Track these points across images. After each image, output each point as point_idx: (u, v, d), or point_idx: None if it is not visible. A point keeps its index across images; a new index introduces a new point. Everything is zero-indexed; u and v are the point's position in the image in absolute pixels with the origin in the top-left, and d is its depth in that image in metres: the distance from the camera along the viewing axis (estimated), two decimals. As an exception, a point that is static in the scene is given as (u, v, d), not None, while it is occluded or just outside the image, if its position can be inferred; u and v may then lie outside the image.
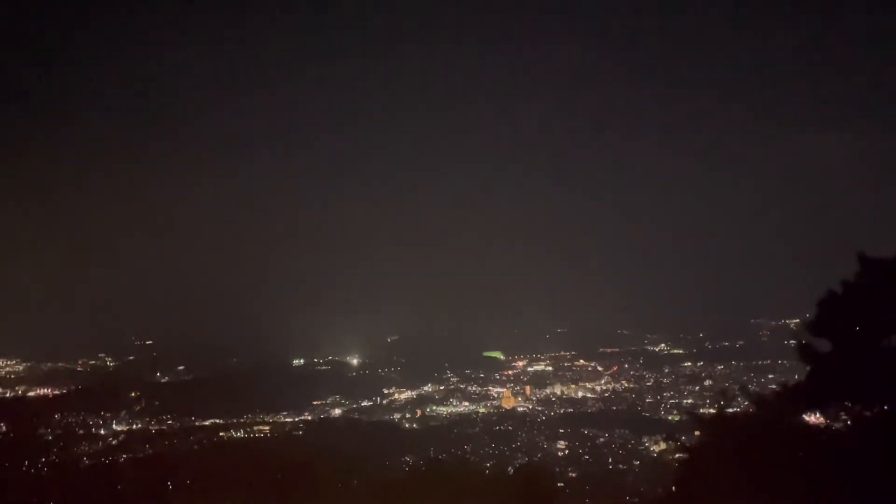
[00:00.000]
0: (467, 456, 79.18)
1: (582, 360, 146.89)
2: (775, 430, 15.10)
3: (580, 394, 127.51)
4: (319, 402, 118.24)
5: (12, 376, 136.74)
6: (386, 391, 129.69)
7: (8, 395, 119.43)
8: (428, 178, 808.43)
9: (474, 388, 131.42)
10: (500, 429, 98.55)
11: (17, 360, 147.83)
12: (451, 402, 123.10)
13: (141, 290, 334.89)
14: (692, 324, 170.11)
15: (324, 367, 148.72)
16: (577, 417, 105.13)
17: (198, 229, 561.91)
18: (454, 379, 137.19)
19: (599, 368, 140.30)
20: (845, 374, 14.02)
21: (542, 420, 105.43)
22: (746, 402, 16.38)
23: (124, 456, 79.13)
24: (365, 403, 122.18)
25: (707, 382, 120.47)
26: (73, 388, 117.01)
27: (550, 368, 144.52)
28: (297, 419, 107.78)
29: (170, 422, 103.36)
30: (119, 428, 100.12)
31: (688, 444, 19.32)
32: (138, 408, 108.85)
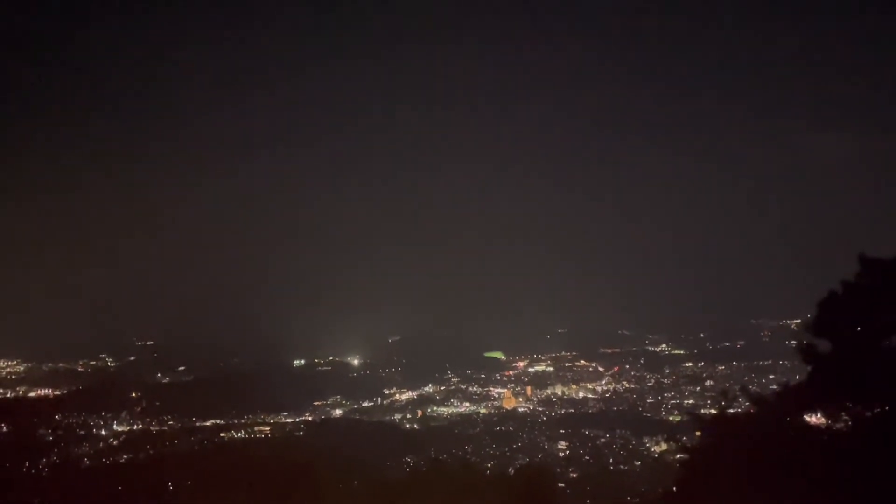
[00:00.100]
0: (468, 456, 79.09)
1: (583, 361, 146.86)
2: (776, 430, 15.09)
3: (581, 394, 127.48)
4: (320, 403, 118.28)
5: (13, 377, 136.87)
6: (387, 392, 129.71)
7: (9, 395, 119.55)
8: (428, 178, 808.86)
9: (475, 389, 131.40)
10: (500, 429, 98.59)
11: (18, 360, 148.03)
12: (452, 403, 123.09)
13: (142, 290, 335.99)
14: (693, 324, 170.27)
15: (325, 368, 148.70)
16: (577, 418, 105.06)
17: (199, 230, 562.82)
18: (455, 379, 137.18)
19: (600, 369, 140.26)
20: (846, 374, 14.02)
21: (542, 420, 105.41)
22: (747, 403, 16.37)
23: (125, 456, 79.23)
24: (366, 404, 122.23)
25: (708, 383, 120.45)
26: (73, 388, 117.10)
27: (551, 369, 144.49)
28: (297, 420, 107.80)
29: (170, 422, 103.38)
30: (120, 428, 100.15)
31: (689, 445, 19.30)
32: (139, 408, 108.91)
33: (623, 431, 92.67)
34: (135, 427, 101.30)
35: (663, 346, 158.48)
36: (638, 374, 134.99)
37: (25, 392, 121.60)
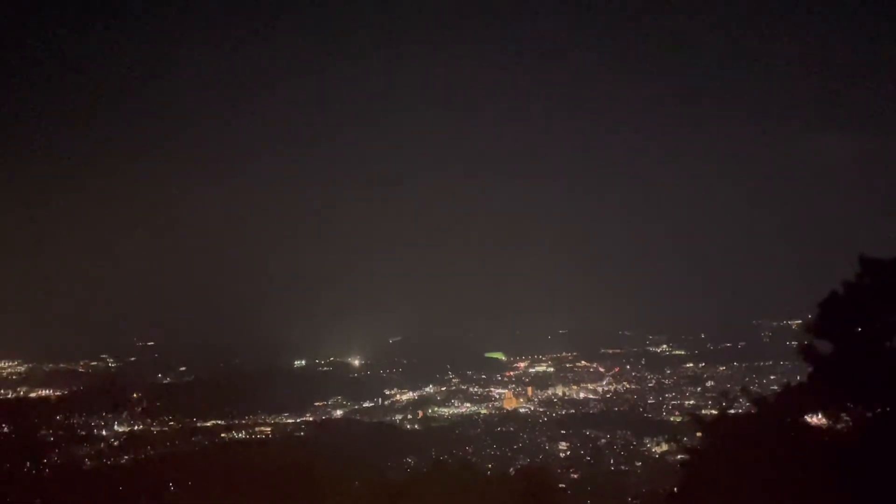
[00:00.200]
0: (469, 457, 79.09)
1: (583, 361, 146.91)
2: (777, 431, 15.08)
3: (582, 395, 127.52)
4: (321, 403, 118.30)
5: (14, 377, 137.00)
6: (387, 392, 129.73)
7: (10, 395, 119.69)
8: (429, 178, 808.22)
9: (476, 390, 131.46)
10: (501, 430, 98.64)
11: (19, 360, 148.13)
12: (453, 404, 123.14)
13: (143, 291, 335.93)
14: (694, 325, 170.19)
15: (325, 368, 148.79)
16: (578, 418, 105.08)
17: (199, 230, 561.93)
18: (456, 380, 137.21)
19: (601, 369, 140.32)
20: (847, 375, 14.01)
21: (543, 421, 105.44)
22: (748, 404, 16.34)
23: (126, 457, 79.27)
24: (366, 404, 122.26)
25: (709, 383, 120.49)
26: (74, 389, 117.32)
27: (552, 369, 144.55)
28: (298, 420, 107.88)
29: (171, 423, 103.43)
30: (121, 429, 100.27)
31: (689, 446, 19.29)
32: (140, 409, 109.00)
33: (624, 432, 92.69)
34: (136, 427, 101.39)
35: (664, 346, 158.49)
36: (639, 375, 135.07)
37: (26, 392, 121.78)
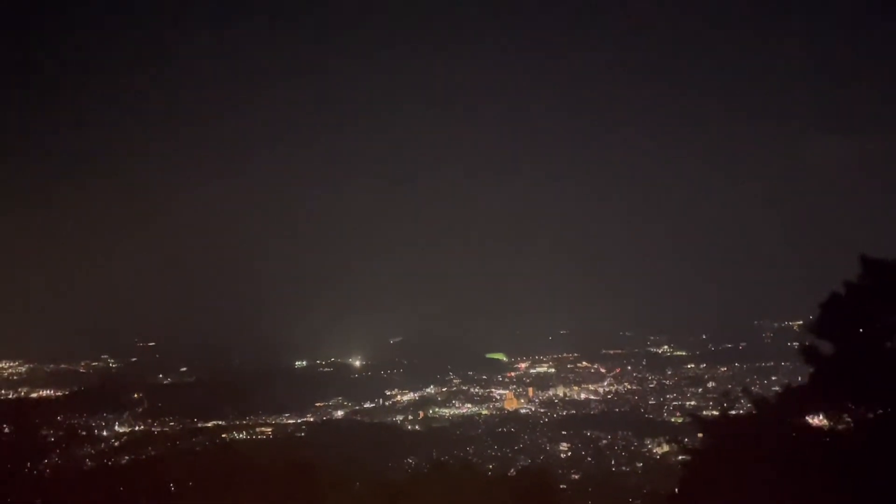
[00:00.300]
0: (470, 458, 78.97)
1: (584, 362, 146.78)
2: (778, 432, 15.07)
3: (583, 396, 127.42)
4: (322, 404, 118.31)
5: (15, 377, 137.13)
6: (388, 393, 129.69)
7: (11, 396, 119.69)
8: (430, 178, 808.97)
9: (477, 390, 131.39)
10: (502, 431, 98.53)
11: (20, 361, 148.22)
12: (454, 404, 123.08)
13: (143, 291, 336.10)
14: (695, 325, 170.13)
15: (326, 369, 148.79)
16: (579, 419, 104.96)
17: (200, 231, 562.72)
18: (457, 381, 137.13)
19: (602, 370, 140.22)
20: (848, 376, 14.00)
21: (544, 422, 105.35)
22: (749, 404, 16.34)
23: (127, 457, 79.10)
24: (367, 405, 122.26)
25: (710, 384, 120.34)
26: (75, 389, 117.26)
27: (553, 370, 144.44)
28: (299, 421, 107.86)
29: (172, 423, 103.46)
30: (121, 429, 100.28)
31: (691, 446, 19.30)
32: (141, 409, 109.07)
33: (625, 433, 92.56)
34: (136, 428, 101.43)
35: (665, 347, 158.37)
36: (640, 376, 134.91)
37: (27, 393, 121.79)
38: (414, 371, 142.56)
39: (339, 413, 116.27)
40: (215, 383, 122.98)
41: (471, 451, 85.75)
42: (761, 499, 13.97)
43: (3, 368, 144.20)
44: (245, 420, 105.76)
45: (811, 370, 14.78)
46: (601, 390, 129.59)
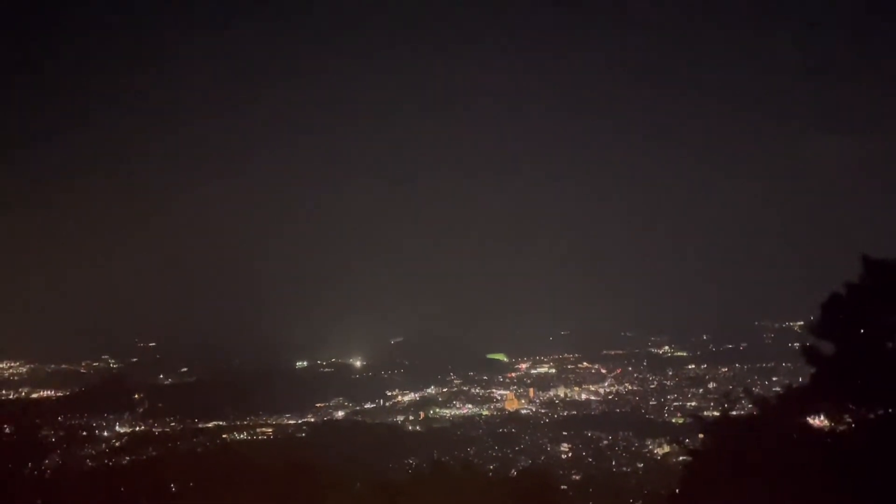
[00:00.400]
0: (471, 458, 78.89)
1: (585, 363, 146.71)
2: (779, 432, 15.06)
3: (583, 396, 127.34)
4: (322, 404, 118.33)
5: (16, 378, 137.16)
6: (389, 393, 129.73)
7: (11, 396, 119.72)
8: (431, 178, 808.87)
9: (477, 391, 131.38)
10: (503, 431, 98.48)
11: (21, 361, 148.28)
12: (455, 405, 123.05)
13: (144, 291, 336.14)
14: (696, 326, 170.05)
15: (327, 369, 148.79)
16: (580, 420, 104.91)
17: (201, 231, 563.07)
18: (457, 381, 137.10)
19: (603, 371, 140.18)
20: (849, 376, 13.99)
21: (545, 422, 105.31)
22: (750, 405, 16.34)
23: (127, 458, 79.08)
24: (368, 405, 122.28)
25: (711, 385, 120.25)
26: (76, 389, 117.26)
27: (554, 371, 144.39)
28: (300, 421, 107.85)
29: (173, 424, 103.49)
30: (122, 430, 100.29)
31: (691, 447, 19.33)
32: (141, 409, 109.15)
33: (626, 433, 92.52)
34: (137, 428, 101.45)
35: (666, 347, 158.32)
36: (641, 376, 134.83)
37: (28, 393, 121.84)
38: (414, 371, 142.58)
39: (340, 413, 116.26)
40: (216, 384, 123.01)
41: (471, 451, 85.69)
42: (762, 499, 13.96)
43: (3, 369, 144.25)
44: (246, 420, 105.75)
45: (812, 371, 14.78)
46: (602, 391, 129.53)
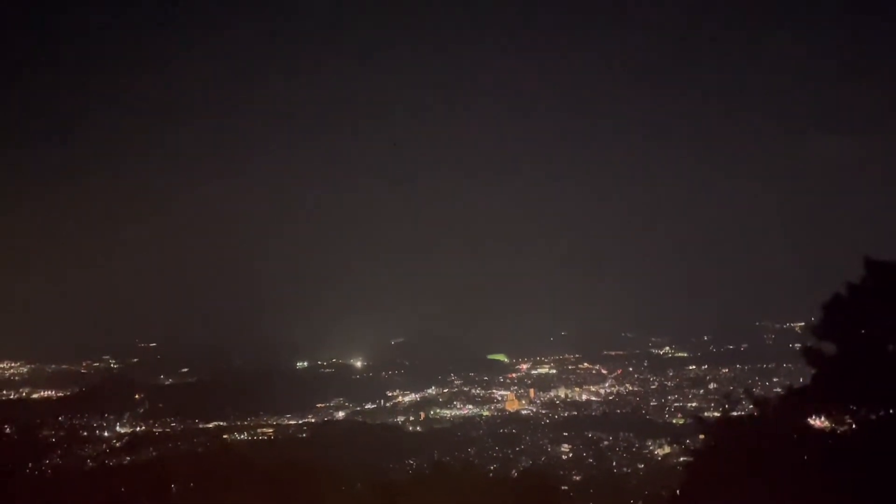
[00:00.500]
0: (471, 459, 78.87)
1: (586, 363, 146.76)
2: (780, 433, 15.04)
3: (584, 397, 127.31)
4: (323, 405, 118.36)
5: (17, 378, 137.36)
6: (389, 394, 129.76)
7: (12, 396, 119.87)
8: (432, 179, 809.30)
9: (478, 391, 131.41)
10: (503, 432, 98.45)
11: (22, 361, 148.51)
12: (455, 405, 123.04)
13: (145, 292, 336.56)
14: (697, 327, 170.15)
15: (327, 370, 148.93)
16: (581, 421, 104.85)
17: (202, 231, 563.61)
18: (458, 382, 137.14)
19: (604, 371, 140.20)
20: (850, 377, 13.96)
21: (546, 423, 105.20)
22: (751, 406, 16.30)
23: (128, 458, 79.14)
24: (368, 406, 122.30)
25: (711, 386, 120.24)
26: (76, 390, 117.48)
27: (554, 371, 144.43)
28: (300, 421, 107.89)
29: (173, 424, 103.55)
30: (123, 430, 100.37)
31: (692, 448, 19.29)
32: (142, 410, 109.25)
33: (626, 434, 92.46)
34: (138, 429, 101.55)
35: (667, 348, 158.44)
36: (641, 377, 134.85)
37: (29, 393, 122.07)
38: (415, 372, 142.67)
39: (341, 414, 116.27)
40: (216, 384, 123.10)
41: (472, 452, 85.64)
42: (763, 500, 13.94)
43: (4, 369, 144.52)
44: (246, 421, 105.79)
45: (813, 372, 14.75)
46: (602, 391, 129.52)
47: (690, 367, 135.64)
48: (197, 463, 68.27)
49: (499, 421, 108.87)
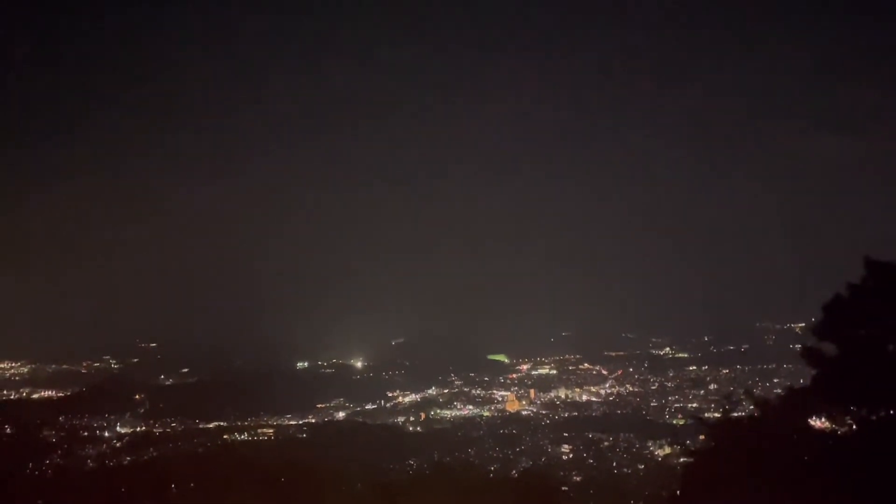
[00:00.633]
0: (471, 459, 78.96)
1: (586, 364, 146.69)
2: (780, 434, 15.05)
3: (584, 397, 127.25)
4: (323, 405, 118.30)
5: (17, 378, 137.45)
6: (390, 394, 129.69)
7: (13, 396, 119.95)
8: (432, 179, 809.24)
9: (478, 392, 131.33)
10: (504, 432, 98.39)
11: (23, 361, 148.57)
12: (456, 406, 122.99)
13: (145, 292, 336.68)
14: (697, 327, 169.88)
15: (328, 370, 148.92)
16: (581, 421, 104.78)
17: (201, 231, 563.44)
18: (458, 382, 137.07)
19: (604, 372, 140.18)
20: (851, 378, 13.98)
21: (546, 424, 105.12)
22: (751, 406, 16.32)
23: (128, 458, 79.19)
24: (369, 406, 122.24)
25: (712, 386, 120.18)
26: (77, 390, 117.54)
27: (555, 372, 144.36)
28: (301, 422, 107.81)
29: (174, 424, 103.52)
30: (123, 430, 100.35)
31: (692, 449, 19.29)
32: (142, 410, 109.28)
33: (627, 435, 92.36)
34: (138, 429, 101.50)
35: (667, 349, 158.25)
36: (642, 378, 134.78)
37: (29, 393, 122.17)
38: (415, 372, 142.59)
39: (341, 414, 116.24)
40: (217, 384, 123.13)
41: (472, 452, 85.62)
42: (763, 500, 13.95)
43: (5, 369, 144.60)
44: (246, 421, 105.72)
45: (813, 372, 14.77)
46: (603, 392, 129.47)
47: (691, 368, 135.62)
48: (197, 463, 68.33)
49: (499, 421, 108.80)
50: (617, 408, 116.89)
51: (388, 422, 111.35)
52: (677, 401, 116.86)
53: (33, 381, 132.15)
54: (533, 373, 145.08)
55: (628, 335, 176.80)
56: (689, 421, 79.91)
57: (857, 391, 13.97)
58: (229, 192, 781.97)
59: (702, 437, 18.08)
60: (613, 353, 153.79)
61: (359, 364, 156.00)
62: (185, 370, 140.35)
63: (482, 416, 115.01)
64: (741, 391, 17.92)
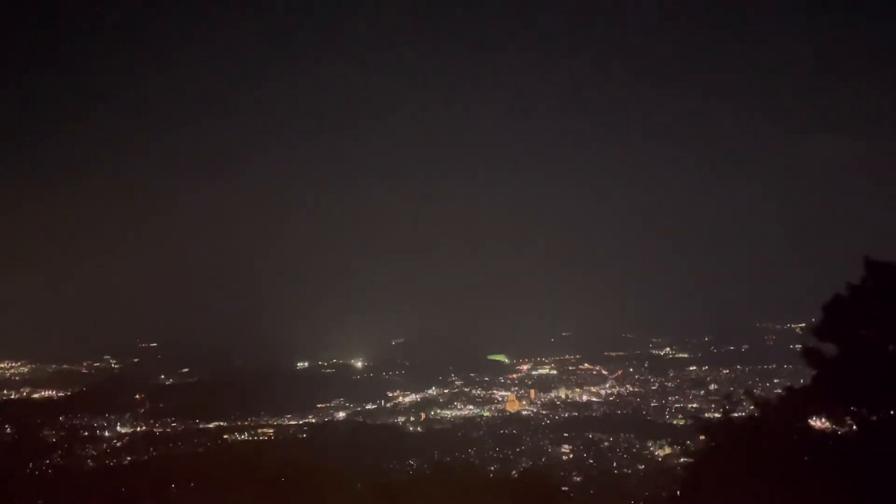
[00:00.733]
0: (471, 459, 78.94)
1: (587, 364, 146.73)
2: (781, 434, 15.04)
3: (585, 398, 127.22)
4: (323, 405, 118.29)
5: (17, 378, 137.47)
6: (390, 394, 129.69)
7: (13, 396, 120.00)
8: (432, 180, 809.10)
9: (478, 392, 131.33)
10: (504, 432, 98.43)
11: (23, 361, 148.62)
12: (456, 406, 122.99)
13: (145, 292, 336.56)
14: (697, 327, 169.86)
15: (328, 370, 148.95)
16: (581, 421, 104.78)
17: (202, 231, 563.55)
18: (458, 382, 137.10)
19: (604, 372, 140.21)
20: (851, 378, 13.97)
21: (546, 424, 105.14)
22: (752, 407, 16.30)
23: (128, 458, 79.26)
24: (369, 406, 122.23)
25: (712, 387, 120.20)
26: (77, 390, 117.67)
27: (555, 372, 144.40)
28: (301, 422, 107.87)
29: (174, 424, 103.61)
30: (123, 430, 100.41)
31: (693, 449, 19.30)
32: (142, 410, 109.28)
33: (627, 435, 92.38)
34: (138, 429, 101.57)
35: (667, 349, 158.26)
36: (642, 378, 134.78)
37: (30, 393, 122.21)
38: (415, 372, 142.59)
39: (341, 414, 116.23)
40: (217, 384, 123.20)
41: (472, 452, 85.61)
42: (764, 501, 13.94)
43: (5, 369, 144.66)
44: (247, 421, 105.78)
45: (814, 372, 14.76)
46: (603, 392, 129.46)
47: (691, 368, 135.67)
48: (197, 463, 68.44)
49: (499, 421, 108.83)
50: (617, 408, 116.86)
51: (389, 422, 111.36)
52: (677, 401, 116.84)
53: (33, 381, 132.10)
54: (533, 373, 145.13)
55: (628, 335, 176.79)
56: (690, 421, 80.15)
57: (858, 391, 13.96)
58: (229, 192, 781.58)
59: (702, 437, 18.05)
60: (614, 354, 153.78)
61: (359, 364, 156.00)
62: (186, 370, 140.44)
63: (482, 416, 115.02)
64: (741, 391, 17.92)
